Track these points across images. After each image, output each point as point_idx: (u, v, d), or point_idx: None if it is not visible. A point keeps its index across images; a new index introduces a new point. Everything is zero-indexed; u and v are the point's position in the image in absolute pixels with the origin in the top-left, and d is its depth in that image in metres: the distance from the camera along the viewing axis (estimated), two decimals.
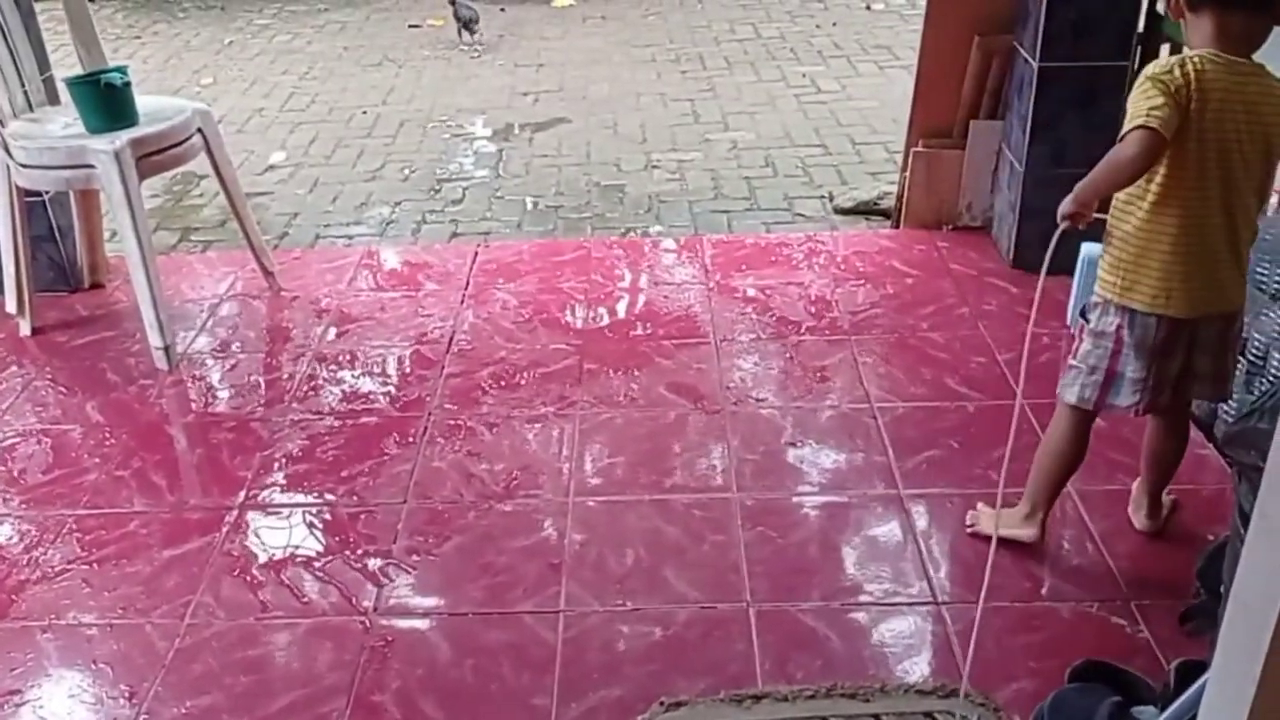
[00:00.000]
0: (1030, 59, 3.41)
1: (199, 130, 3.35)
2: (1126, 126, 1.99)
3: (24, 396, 3.14)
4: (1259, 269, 2.78)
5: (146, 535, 2.57)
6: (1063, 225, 2.08)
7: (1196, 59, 2.00)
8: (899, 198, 4.02)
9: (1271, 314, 2.58)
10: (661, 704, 2.03)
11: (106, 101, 3.13)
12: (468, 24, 7.01)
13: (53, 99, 3.50)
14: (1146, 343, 2.14)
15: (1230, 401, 2.71)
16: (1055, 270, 2.31)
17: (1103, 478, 2.63)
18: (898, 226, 4.03)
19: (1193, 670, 1.73)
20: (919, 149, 3.85)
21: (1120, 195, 2.12)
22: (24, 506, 2.68)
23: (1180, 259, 2.08)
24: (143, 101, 3.26)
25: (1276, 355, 2.53)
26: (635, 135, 5.42)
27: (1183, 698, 1.52)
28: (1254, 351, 2.61)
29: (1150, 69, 2.04)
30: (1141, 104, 1.98)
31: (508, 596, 2.34)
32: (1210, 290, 2.13)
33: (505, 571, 2.41)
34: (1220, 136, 2.02)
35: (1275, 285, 2.72)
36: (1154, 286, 2.10)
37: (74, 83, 3.17)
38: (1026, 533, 2.37)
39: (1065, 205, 2.09)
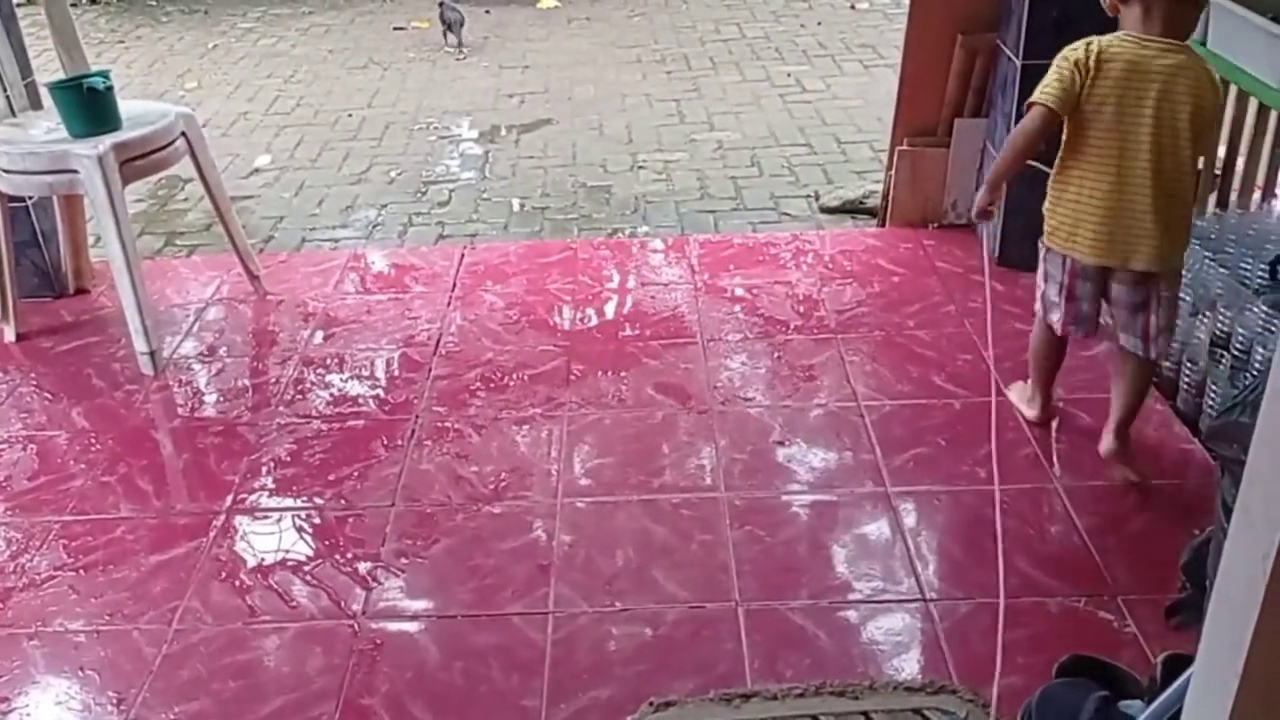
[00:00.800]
0: (1013, 57, 3.42)
1: (183, 134, 3.34)
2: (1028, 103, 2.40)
3: (9, 403, 3.13)
4: (1242, 264, 2.79)
5: (133, 541, 2.56)
6: (978, 222, 2.39)
7: (1107, 38, 2.34)
8: (884, 196, 4.03)
9: (1255, 309, 2.59)
10: (651, 704, 2.03)
11: (89, 106, 3.12)
12: (453, 26, 7.01)
13: (35, 104, 3.49)
14: (1058, 278, 2.52)
15: (1214, 395, 2.73)
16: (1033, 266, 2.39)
17: (1088, 474, 2.64)
18: (883, 225, 4.04)
19: (1179, 664, 1.74)
20: (904, 147, 3.86)
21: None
22: (10, 513, 2.67)
23: (1082, 209, 2.42)
24: (126, 106, 3.25)
25: (1260, 350, 2.54)
26: (621, 136, 5.42)
27: (1168, 691, 1.53)
28: (1238, 346, 2.62)
29: (1065, 49, 2.40)
30: (1043, 81, 2.38)
31: (496, 598, 2.34)
32: (1112, 244, 2.40)
33: (494, 573, 2.41)
34: (1119, 104, 2.32)
35: (1259, 280, 2.73)
36: (1063, 231, 2.47)
37: (56, 87, 3.16)
38: (1029, 412, 2.80)
39: (977, 200, 2.49)
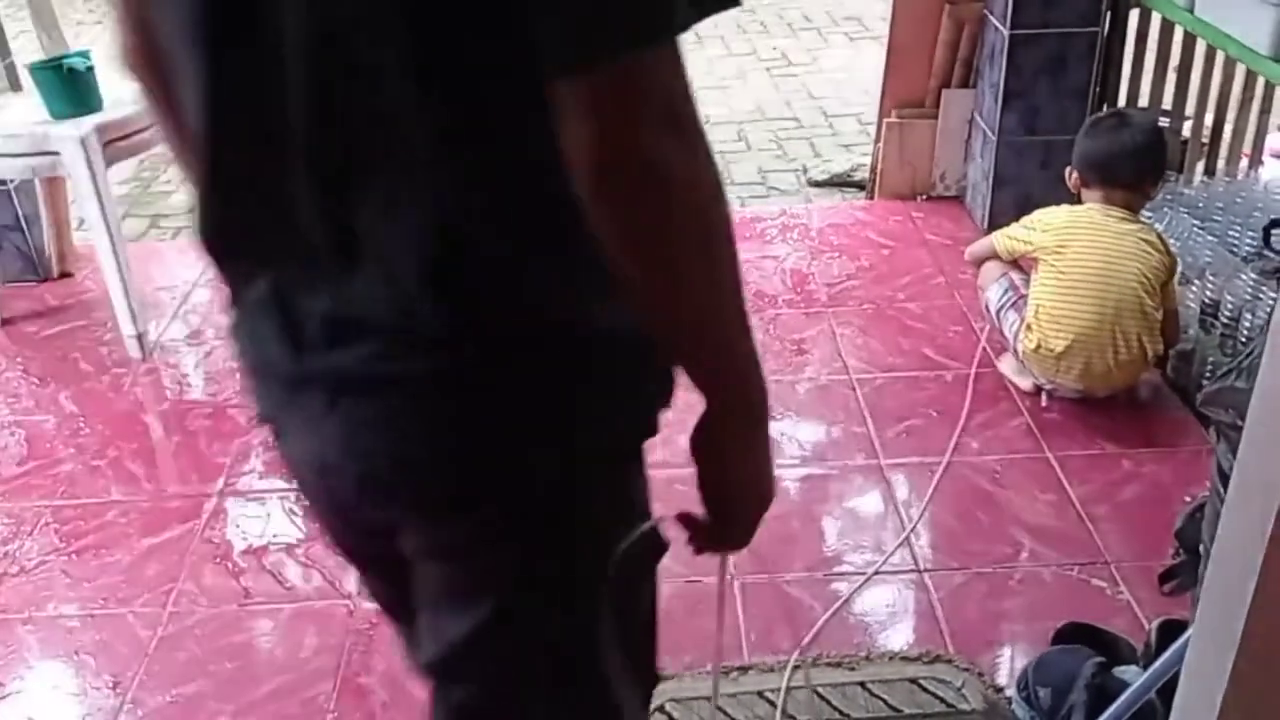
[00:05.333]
0: (1001, 26, 3.41)
1: None
2: (1004, 234, 2.82)
3: None
4: (1230, 232, 2.80)
5: (125, 524, 2.55)
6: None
7: (1079, 208, 2.71)
8: (872, 169, 4.02)
9: (1243, 277, 2.60)
10: None
11: (70, 87, 3.08)
12: None
13: (14, 85, 3.45)
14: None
15: (1205, 364, 2.74)
16: None
17: (1080, 443, 2.65)
18: (872, 198, 4.03)
19: (1173, 629, 1.75)
20: (891, 119, 3.85)
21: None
22: None
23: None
24: (107, 86, 3.21)
25: (1249, 317, 2.55)
26: None
27: (1165, 656, 1.54)
28: (1227, 314, 2.63)
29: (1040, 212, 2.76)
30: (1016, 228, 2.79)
31: None
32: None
33: None
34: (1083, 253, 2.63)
35: (1246, 248, 2.74)
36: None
37: (37, 68, 3.12)
38: (1021, 383, 2.84)
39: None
